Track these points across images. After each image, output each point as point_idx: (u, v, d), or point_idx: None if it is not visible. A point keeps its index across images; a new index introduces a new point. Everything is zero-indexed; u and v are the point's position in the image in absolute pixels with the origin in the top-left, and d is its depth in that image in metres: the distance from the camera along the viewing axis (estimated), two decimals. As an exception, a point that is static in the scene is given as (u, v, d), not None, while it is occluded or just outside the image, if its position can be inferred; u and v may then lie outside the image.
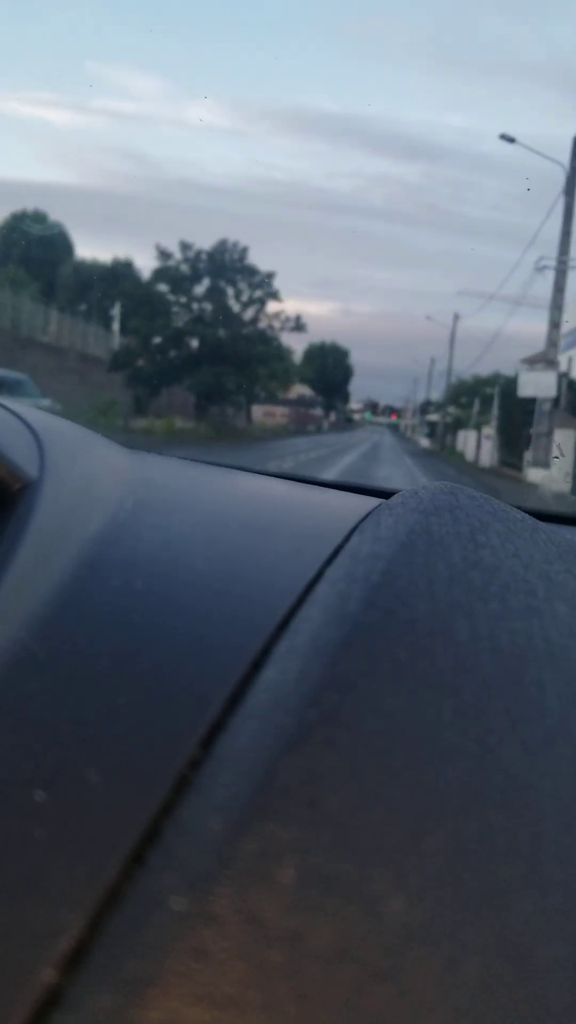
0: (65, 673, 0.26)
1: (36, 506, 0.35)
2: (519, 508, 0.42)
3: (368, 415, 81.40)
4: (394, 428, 72.99)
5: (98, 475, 0.42)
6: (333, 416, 61.82)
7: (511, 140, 13.58)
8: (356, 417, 78.26)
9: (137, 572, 0.32)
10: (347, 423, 70.04)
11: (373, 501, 0.43)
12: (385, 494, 0.46)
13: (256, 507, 0.44)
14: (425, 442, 37.07)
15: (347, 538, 0.36)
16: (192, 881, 0.20)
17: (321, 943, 0.20)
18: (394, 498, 0.40)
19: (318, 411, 50.07)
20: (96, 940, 0.20)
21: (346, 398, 74.98)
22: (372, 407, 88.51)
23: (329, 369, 64.21)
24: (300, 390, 67.06)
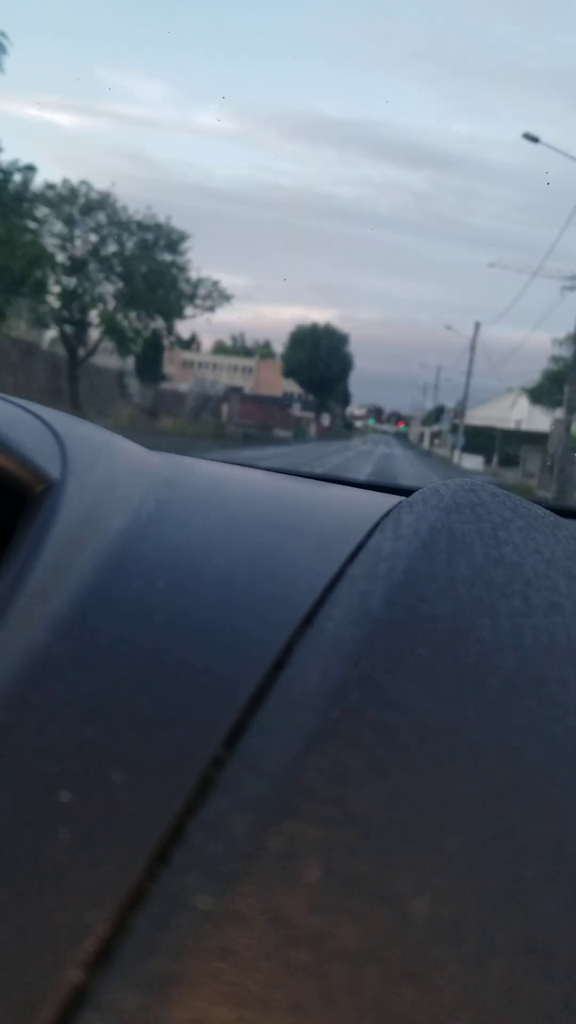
0: (89, 673, 0.27)
1: (59, 507, 0.35)
2: (540, 504, 0.42)
3: (372, 421, 70.30)
4: (402, 437, 62.01)
5: (120, 475, 0.42)
6: (327, 419, 45.47)
7: (534, 140, 13.09)
8: (359, 424, 66.11)
9: (160, 572, 0.32)
10: (347, 429, 54.26)
11: (394, 499, 0.43)
12: (406, 492, 0.46)
13: (277, 506, 0.44)
14: (472, 462, 21.62)
15: (368, 536, 0.36)
16: (217, 880, 0.20)
17: (346, 942, 0.20)
18: (415, 495, 0.40)
19: (296, 409, 34.83)
20: (122, 939, 0.20)
21: (346, 399, 58.32)
22: (376, 413, 77.50)
23: (322, 358, 47.48)
24: (287, 385, 49.49)
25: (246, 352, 64.98)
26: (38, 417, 0.44)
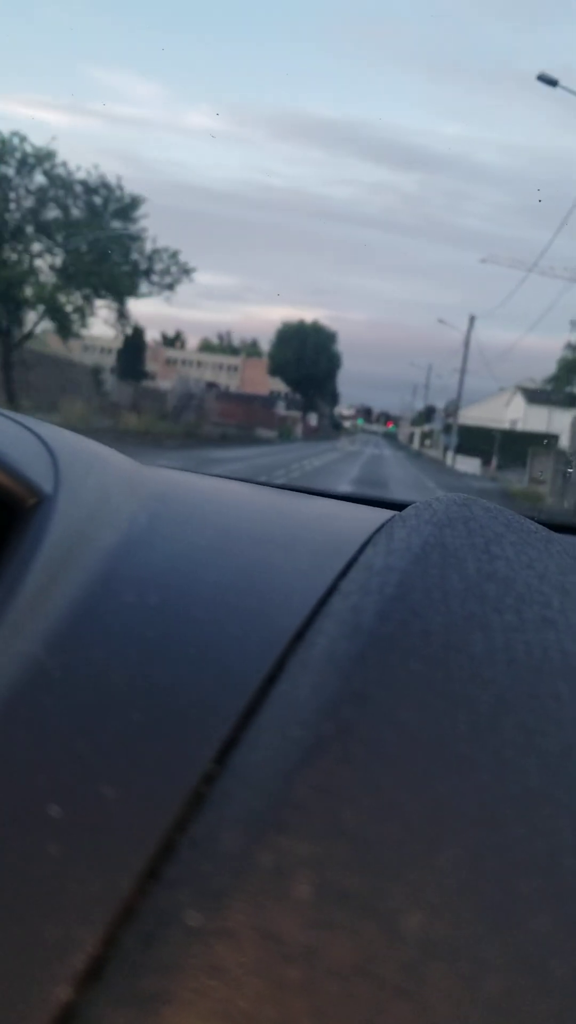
0: (79, 688, 0.27)
1: (51, 521, 0.35)
2: (533, 519, 0.42)
3: (360, 422, 69.95)
4: (391, 437, 63.74)
5: (112, 490, 0.42)
6: (314, 419, 43.75)
7: (553, 83, 12.45)
8: (347, 424, 65.51)
9: (151, 586, 0.32)
10: (335, 429, 52.85)
11: (386, 513, 0.43)
12: (398, 506, 0.46)
13: (269, 520, 0.44)
14: (468, 464, 19.91)
15: (361, 550, 0.36)
16: (207, 896, 0.20)
17: (338, 959, 0.19)
18: (407, 510, 0.40)
19: (281, 408, 33.07)
20: (111, 956, 0.20)
21: (334, 399, 56.70)
22: (365, 413, 77.38)
23: (309, 356, 45.68)
24: (273, 384, 47.89)
25: (232, 351, 63.21)
26: (31, 431, 0.44)
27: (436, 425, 30.20)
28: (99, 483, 0.41)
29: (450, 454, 22.31)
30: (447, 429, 25.88)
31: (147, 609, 0.31)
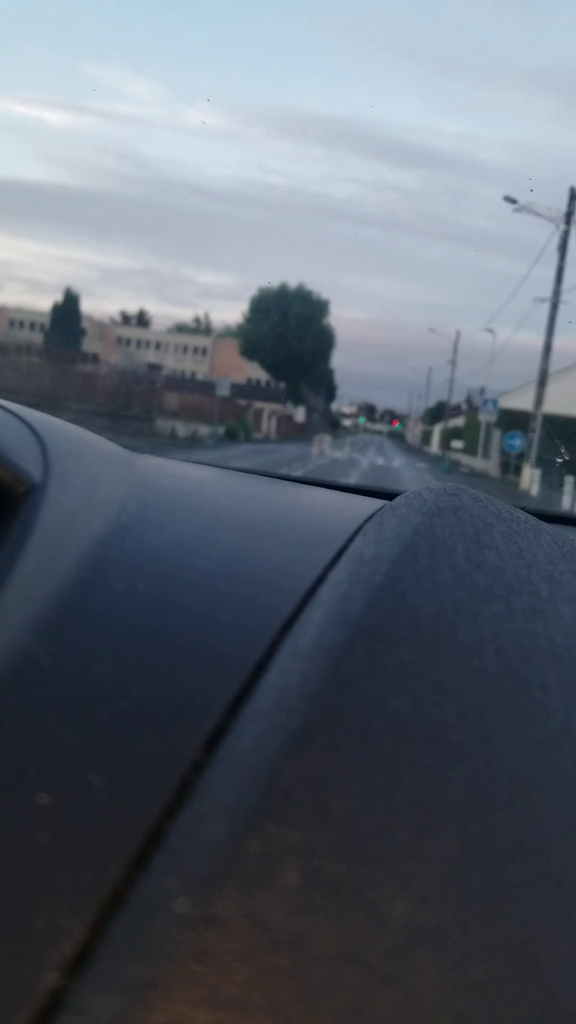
0: (68, 676, 0.27)
1: (39, 509, 0.35)
2: (523, 509, 0.42)
3: (363, 420, 60.32)
4: (399, 438, 56.65)
5: (101, 478, 0.42)
6: (302, 413, 31.37)
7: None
8: (348, 423, 54.62)
9: (140, 575, 0.32)
10: (333, 428, 40.32)
11: (377, 502, 0.43)
12: (389, 495, 0.46)
13: (259, 509, 0.44)
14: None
15: (350, 540, 0.36)
16: (195, 884, 0.20)
17: (325, 946, 0.20)
18: (398, 499, 0.40)
19: (224, 389, 21.43)
20: (99, 943, 0.20)
21: (330, 391, 43.76)
22: (368, 411, 67.23)
23: (291, 330, 33.04)
24: (251, 371, 34.28)
25: (208, 333, 51.30)
26: (20, 418, 0.44)
27: (487, 414, 18.13)
28: (89, 471, 0.41)
29: (532, 474, 10.64)
30: (503, 422, 13.96)
31: (136, 597, 0.31)
